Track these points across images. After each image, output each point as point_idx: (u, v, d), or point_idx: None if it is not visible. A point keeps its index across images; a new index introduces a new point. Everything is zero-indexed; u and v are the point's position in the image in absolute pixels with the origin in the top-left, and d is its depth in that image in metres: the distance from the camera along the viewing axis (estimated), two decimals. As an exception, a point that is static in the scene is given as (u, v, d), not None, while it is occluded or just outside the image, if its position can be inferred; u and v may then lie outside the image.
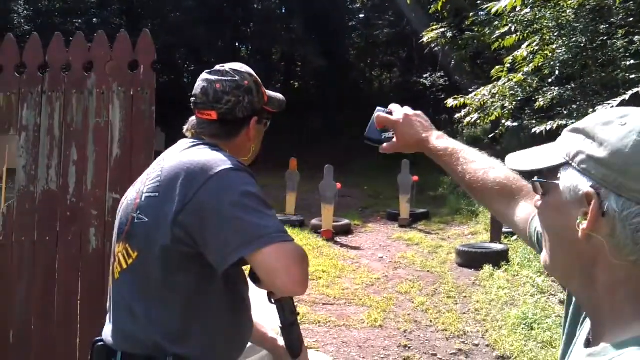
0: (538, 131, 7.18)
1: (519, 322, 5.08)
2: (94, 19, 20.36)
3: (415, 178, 11.99)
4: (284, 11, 26.06)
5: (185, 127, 1.72)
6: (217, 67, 1.73)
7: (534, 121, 7.71)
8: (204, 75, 1.71)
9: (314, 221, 10.25)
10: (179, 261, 1.45)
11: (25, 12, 20.34)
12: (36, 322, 3.04)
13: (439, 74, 19.37)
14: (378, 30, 23.51)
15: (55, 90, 3.06)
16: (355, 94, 23.57)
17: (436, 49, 14.53)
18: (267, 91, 1.79)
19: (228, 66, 1.73)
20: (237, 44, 25.98)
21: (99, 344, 1.56)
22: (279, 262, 1.37)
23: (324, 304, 6.04)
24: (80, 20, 19.96)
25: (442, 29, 12.46)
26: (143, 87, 3.08)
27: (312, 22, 23.47)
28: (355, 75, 26.38)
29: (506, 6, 2.55)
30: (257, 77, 1.74)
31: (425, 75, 20.01)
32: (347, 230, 10.38)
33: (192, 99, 1.70)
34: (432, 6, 9.01)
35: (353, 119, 22.21)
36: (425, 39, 12.30)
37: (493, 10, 3.39)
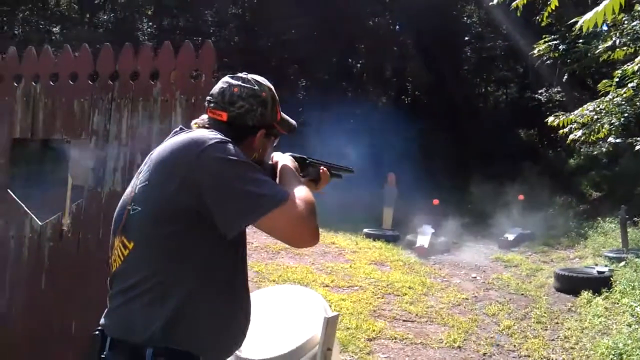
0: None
1: (608, 352, 4.67)
2: (213, 38, 21.40)
3: (521, 197, 11.49)
4: (397, 27, 25.93)
5: (193, 121, 1.77)
6: (241, 74, 1.77)
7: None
8: (226, 78, 1.76)
9: (409, 237, 10.10)
10: (180, 242, 1.49)
11: (149, 29, 21.82)
12: (98, 316, 3.20)
13: (556, 88, 18.36)
14: (491, 43, 22.75)
15: (123, 98, 3.25)
16: (468, 110, 22.87)
17: (548, 62, 13.84)
18: (281, 112, 1.82)
19: (251, 76, 1.77)
20: (349, 60, 26.15)
21: (95, 333, 1.62)
22: (285, 224, 1.46)
23: (404, 321, 5.90)
24: (200, 39, 21.05)
25: (555, 42, 11.85)
26: (204, 95, 3.18)
27: (424, 38, 23.15)
28: (469, 90, 25.67)
29: (594, 20, 2.33)
30: (276, 93, 1.78)
31: (540, 91, 19.03)
32: (443, 248, 10.13)
33: (208, 98, 1.75)
34: (539, 17, 8.61)
35: (465, 135, 21.66)
36: (535, 52, 11.79)
37: (577, 26, 3.11)
